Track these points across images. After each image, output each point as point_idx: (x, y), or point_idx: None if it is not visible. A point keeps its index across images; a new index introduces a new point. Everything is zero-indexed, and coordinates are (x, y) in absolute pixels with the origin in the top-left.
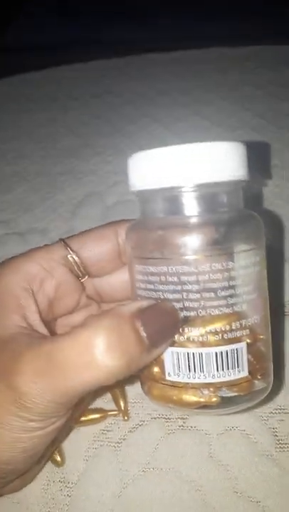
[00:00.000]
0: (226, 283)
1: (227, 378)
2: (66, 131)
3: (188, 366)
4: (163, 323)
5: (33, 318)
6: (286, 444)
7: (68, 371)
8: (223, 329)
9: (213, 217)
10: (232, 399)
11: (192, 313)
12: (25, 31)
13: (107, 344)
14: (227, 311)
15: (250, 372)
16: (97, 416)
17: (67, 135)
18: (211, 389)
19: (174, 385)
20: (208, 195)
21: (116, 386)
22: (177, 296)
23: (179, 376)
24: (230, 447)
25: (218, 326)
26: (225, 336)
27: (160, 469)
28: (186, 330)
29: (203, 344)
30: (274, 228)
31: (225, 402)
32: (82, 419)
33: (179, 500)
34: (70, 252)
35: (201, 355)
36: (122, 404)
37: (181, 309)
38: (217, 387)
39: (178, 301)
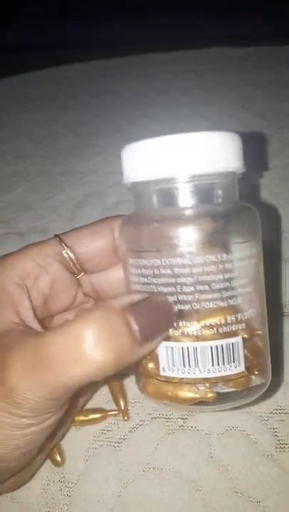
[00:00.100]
0: (220, 276)
1: (223, 373)
2: (66, 131)
3: (183, 361)
4: (156, 317)
5: (27, 314)
6: (286, 444)
7: (57, 366)
8: (219, 323)
9: (208, 209)
10: (228, 395)
11: (186, 307)
12: (25, 31)
13: (97, 338)
14: (222, 304)
15: (247, 368)
16: (97, 416)
17: (67, 135)
18: (207, 384)
19: (169, 381)
20: (203, 186)
21: (115, 381)
22: (171, 289)
23: (173, 371)
24: (230, 447)
25: (213, 319)
26: (220, 329)
27: (160, 469)
28: (180, 324)
29: (198, 338)
30: (273, 228)
31: (221, 398)
32: (82, 418)
33: (179, 501)
34: (65, 248)
35: (195, 349)
36: (122, 404)
37: (176, 303)
38: (213, 382)
39: (172, 294)
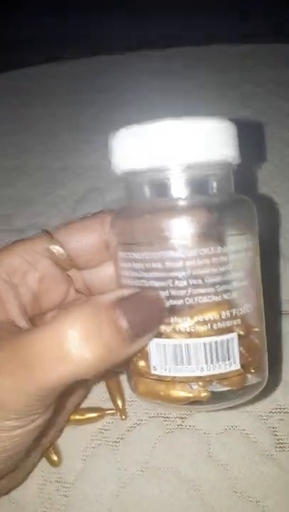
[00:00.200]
0: (215, 269)
1: (217, 371)
2: (67, 126)
3: (175, 359)
4: (146, 313)
5: (14, 312)
6: (286, 443)
7: (41, 365)
8: (213, 319)
9: (203, 200)
10: (223, 394)
11: (179, 302)
12: (26, 26)
13: (83, 335)
14: (216, 299)
15: (242, 366)
16: (94, 415)
17: (68, 130)
18: (201, 383)
19: (161, 380)
20: (198, 176)
21: (110, 379)
22: (163, 283)
23: (165, 370)
24: (229, 447)
25: (207, 315)
26: (214, 325)
27: (158, 469)
28: (172, 320)
29: (191, 335)
30: (272, 227)
31: (216, 398)
32: (79, 418)
33: (178, 500)
34: (54, 243)
35: (188, 346)
36: (119, 403)
37: (167, 298)
38: (207, 381)
39: (163, 289)
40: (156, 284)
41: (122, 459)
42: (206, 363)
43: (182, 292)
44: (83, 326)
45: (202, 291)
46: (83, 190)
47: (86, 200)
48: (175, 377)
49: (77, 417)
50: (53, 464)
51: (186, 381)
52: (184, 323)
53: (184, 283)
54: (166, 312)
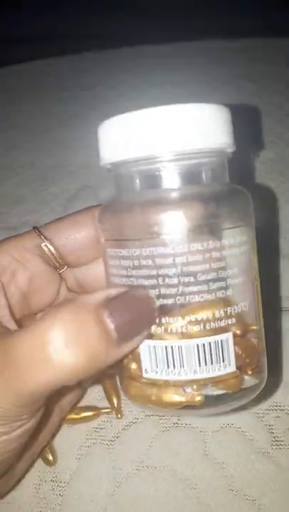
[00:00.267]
0: (207, 265)
1: (211, 374)
2: (58, 123)
3: (167, 361)
4: (135, 313)
5: (2, 313)
6: (282, 441)
7: (23, 370)
8: (205, 318)
9: (195, 191)
10: (219, 397)
11: (170, 301)
12: (15, 23)
13: (65, 338)
14: (209, 297)
15: (239, 368)
16: (89, 414)
17: (60, 127)
18: (195, 387)
19: (153, 383)
20: (190, 165)
21: (107, 380)
22: (152, 281)
23: (157, 373)
24: (225, 445)
25: (199, 314)
26: (208, 325)
27: (154, 467)
28: (163, 320)
29: (183, 336)
30: (269, 222)
31: (210, 402)
32: (74, 417)
33: (174, 499)
34: (44, 240)
35: (180, 348)
36: (115, 401)
37: (158, 297)
38: (201, 384)
39: (153, 287)
40: (146, 282)
41: (117, 457)
42: (200, 365)
43: (173, 290)
44: (66, 328)
45: (194, 289)
46: (75, 187)
47: (78, 198)
48: (167, 380)
49: (73, 415)
50: (48, 463)
51: (179, 385)
52: (176, 324)
53: (175, 281)
54: (156, 312)
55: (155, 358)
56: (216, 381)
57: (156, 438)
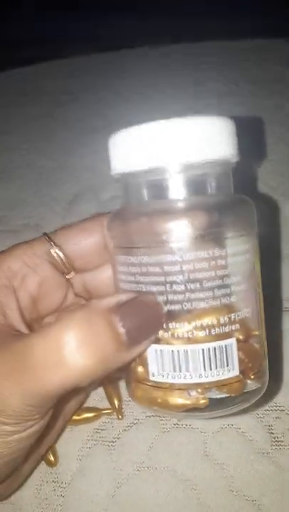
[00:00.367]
0: (212, 273)
1: (216, 378)
2: (59, 126)
3: (174, 365)
4: (144, 318)
5: (14, 316)
6: (282, 441)
7: (38, 371)
8: (211, 324)
9: (200, 201)
10: (222, 401)
11: (177, 307)
12: (15, 26)
13: (78, 341)
14: (214, 303)
15: (242, 372)
16: (90, 415)
17: (61, 130)
18: (199, 390)
19: (159, 386)
20: (196, 176)
21: (110, 384)
22: (160, 288)
23: (163, 376)
24: (225, 445)
25: (205, 320)
26: (213, 331)
27: (155, 468)
28: (170, 325)
29: (189, 340)
30: (271, 223)
31: (214, 405)
32: (76, 418)
33: (174, 500)
34: (54, 246)
35: (186, 352)
36: (116, 402)
37: (165, 302)
38: (205, 388)
39: (161, 293)
40: (154, 288)
41: (118, 458)
42: (205, 369)
43: (180, 297)
44: (80, 331)
45: (200, 295)
46: (76, 190)
47: (79, 201)
48: (173, 384)
49: (74, 417)
50: (49, 464)
51: (184, 388)
52: (182, 329)
53: (182, 287)
54: (164, 318)
55: (162, 361)
56: (219, 385)
57: (156, 439)
